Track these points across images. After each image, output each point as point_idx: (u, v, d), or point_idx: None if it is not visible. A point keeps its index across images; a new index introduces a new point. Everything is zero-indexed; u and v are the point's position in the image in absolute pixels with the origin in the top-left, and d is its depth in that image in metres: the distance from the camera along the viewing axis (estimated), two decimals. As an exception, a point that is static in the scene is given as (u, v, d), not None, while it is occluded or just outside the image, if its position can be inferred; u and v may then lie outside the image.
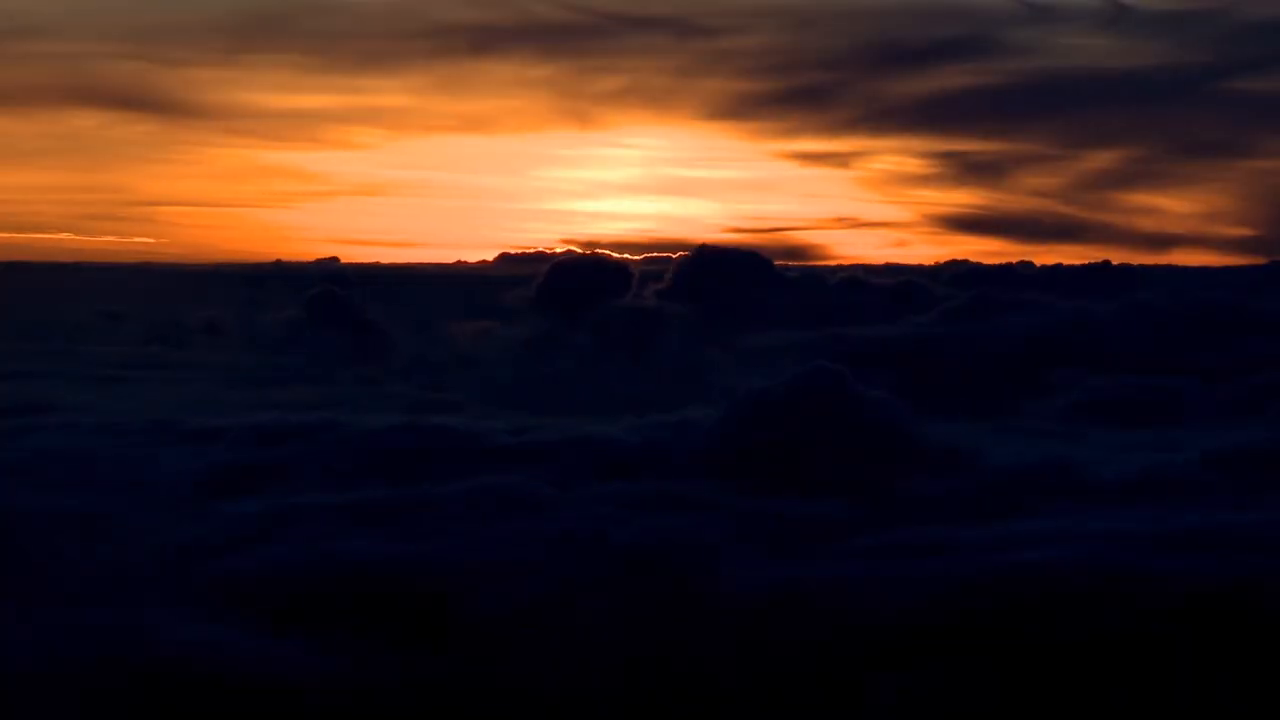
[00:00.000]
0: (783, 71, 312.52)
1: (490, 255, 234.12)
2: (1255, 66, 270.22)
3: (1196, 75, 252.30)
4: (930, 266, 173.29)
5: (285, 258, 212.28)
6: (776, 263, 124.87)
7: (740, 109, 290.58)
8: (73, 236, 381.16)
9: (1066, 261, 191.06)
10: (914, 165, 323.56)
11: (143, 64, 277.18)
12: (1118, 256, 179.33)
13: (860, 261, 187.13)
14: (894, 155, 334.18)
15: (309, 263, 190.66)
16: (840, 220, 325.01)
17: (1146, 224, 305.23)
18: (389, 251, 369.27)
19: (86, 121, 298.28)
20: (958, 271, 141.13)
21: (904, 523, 36.62)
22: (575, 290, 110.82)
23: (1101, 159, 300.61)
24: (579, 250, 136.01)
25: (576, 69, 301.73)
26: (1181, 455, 46.19)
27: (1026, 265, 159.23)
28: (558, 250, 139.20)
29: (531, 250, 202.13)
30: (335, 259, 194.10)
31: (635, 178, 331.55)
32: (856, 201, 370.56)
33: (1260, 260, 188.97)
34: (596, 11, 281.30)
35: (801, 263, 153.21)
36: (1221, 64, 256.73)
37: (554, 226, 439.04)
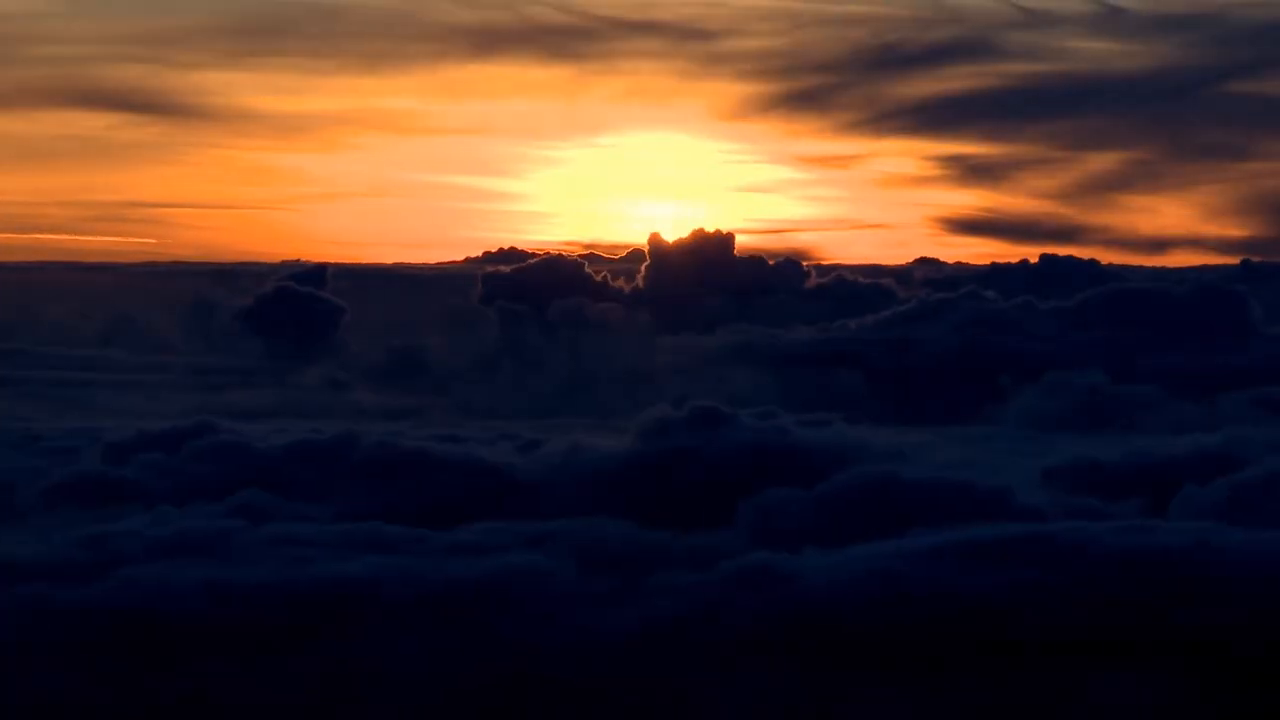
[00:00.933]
0: (783, 74, 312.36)
1: (480, 254, 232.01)
2: (1252, 69, 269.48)
3: (1194, 78, 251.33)
4: (905, 266, 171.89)
5: (291, 258, 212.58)
6: (771, 264, 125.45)
7: (741, 112, 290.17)
8: (71, 237, 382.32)
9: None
10: (914, 168, 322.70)
11: (148, 66, 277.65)
12: (1116, 258, 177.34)
13: (865, 263, 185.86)
14: (894, 158, 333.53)
15: (278, 264, 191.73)
16: (840, 222, 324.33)
17: (1144, 226, 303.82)
18: (391, 252, 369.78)
19: (92, 123, 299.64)
20: (941, 273, 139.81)
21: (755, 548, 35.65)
22: (539, 292, 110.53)
23: (1100, 161, 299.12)
24: (569, 253, 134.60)
25: (576, 72, 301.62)
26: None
27: (1024, 264, 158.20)
28: (550, 252, 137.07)
29: (508, 249, 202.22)
30: (301, 260, 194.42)
31: (636, 179, 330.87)
32: (857, 203, 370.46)
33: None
34: (595, 15, 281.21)
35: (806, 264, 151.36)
36: (1218, 67, 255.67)
37: (555, 228, 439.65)
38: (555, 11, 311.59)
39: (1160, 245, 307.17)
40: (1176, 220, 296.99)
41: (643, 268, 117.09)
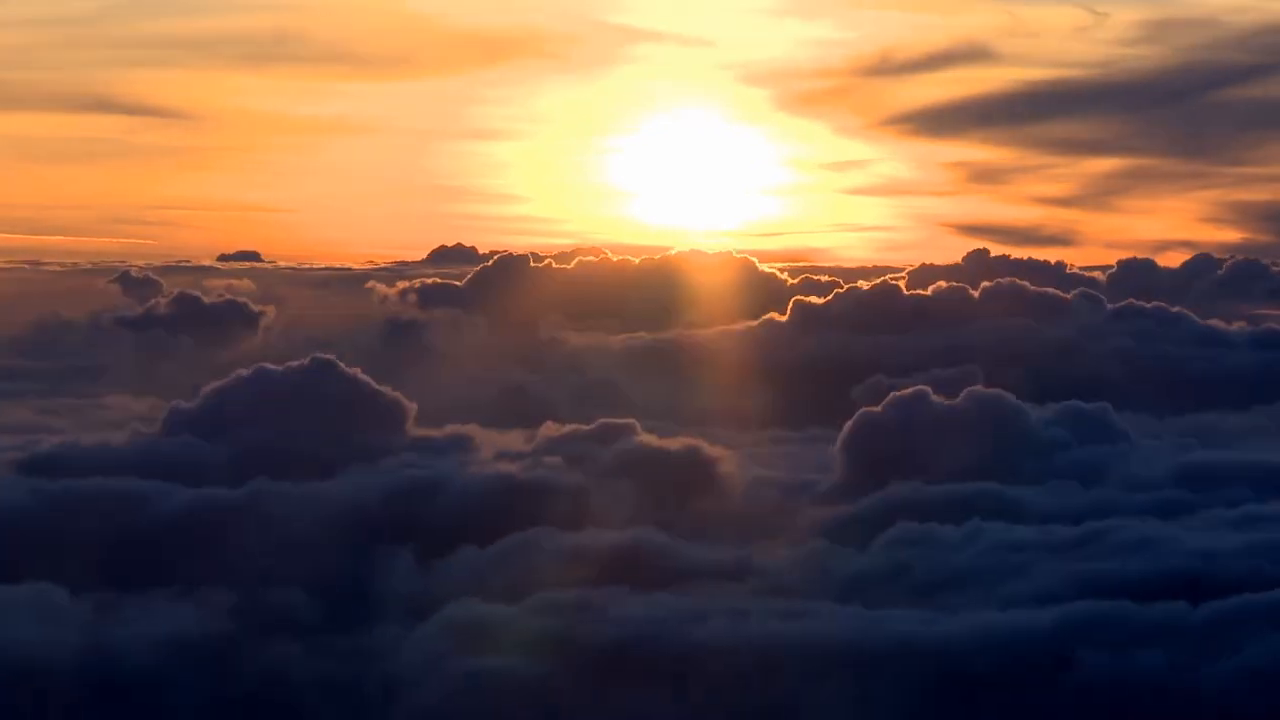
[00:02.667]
0: (782, 79, 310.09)
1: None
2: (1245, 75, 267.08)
3: (1188, 84, 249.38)
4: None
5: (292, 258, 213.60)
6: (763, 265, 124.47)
7: (744, 116, 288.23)
8: (74, 238, 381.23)
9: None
10: (912, 171, 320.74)
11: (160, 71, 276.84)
12: (1114, 259, 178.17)
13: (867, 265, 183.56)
14: (894, 162, 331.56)
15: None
16: (839, 225, 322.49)
17: (1141, 229, 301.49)
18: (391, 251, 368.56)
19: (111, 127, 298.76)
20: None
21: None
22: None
23: (1097, 166, 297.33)
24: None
25: (581, 78, 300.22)
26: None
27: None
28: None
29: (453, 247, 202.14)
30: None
31: (635, 181, 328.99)
32: (854, 208, 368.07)
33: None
34: (598, 23, 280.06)
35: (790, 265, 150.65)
36: (1211, 73, 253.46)
37: (565, 227, 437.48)
38: (559, 20, 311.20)
39: (1156, 249, 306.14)
40: (1170, 224, 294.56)
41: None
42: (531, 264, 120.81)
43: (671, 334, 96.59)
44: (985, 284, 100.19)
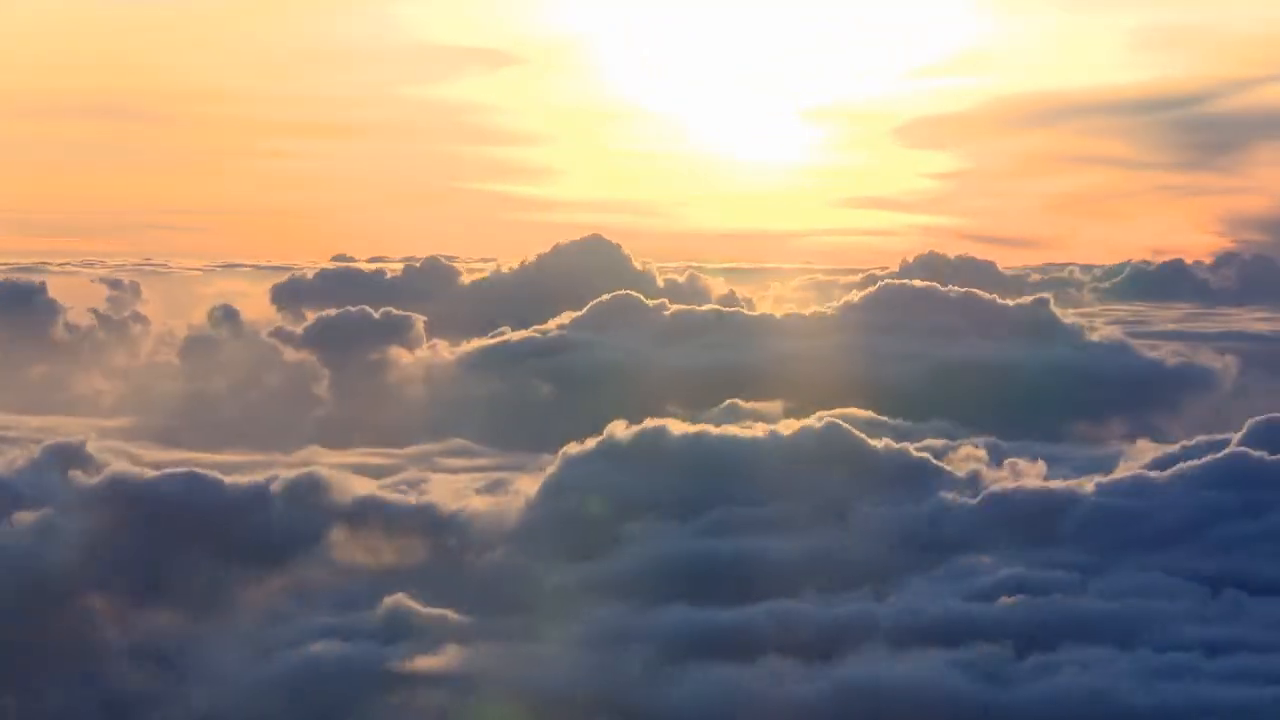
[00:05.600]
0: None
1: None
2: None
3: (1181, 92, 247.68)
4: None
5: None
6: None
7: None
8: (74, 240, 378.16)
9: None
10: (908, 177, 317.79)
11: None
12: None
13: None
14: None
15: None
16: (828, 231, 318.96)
17: (1138, 232, 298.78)
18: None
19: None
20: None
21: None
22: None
23: (1092, 171, 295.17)
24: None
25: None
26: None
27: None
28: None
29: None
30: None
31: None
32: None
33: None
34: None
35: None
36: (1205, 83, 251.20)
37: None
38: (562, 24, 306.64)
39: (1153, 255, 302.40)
40: (1161, 231, 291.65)
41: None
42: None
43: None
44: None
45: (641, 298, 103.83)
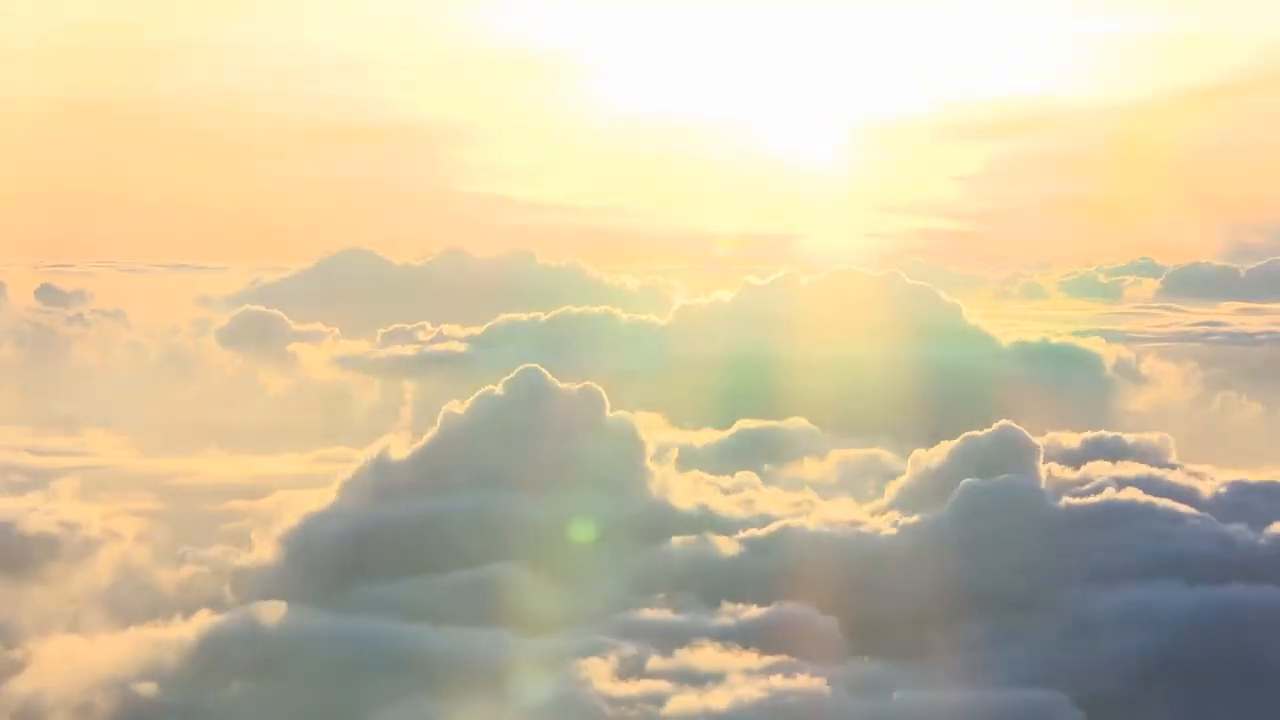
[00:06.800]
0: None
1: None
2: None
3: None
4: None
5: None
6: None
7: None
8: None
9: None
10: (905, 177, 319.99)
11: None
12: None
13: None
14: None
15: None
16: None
17: (1135, 236, 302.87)
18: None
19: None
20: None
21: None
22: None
23: (1088, 178, 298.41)
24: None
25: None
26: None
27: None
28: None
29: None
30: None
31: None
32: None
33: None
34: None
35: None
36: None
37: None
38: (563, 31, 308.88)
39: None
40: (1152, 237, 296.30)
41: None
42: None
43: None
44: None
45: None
